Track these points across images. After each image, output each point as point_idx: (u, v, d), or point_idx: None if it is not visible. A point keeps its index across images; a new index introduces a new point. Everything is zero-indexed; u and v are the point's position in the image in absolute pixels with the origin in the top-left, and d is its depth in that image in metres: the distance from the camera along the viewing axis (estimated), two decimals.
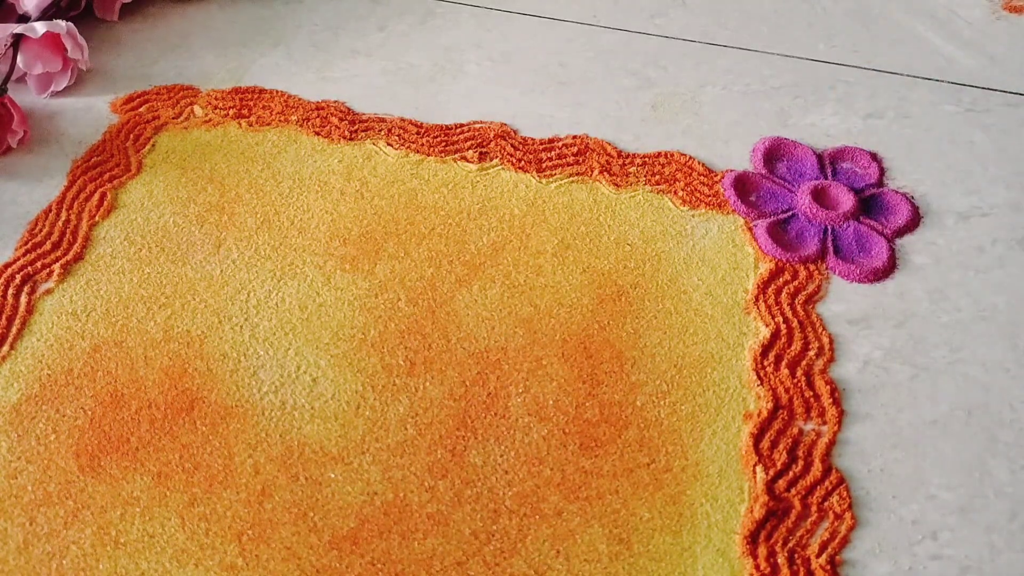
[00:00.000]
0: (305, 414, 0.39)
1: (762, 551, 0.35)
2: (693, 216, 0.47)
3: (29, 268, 0.44)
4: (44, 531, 0.35)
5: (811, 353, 0.41)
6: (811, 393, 0.39)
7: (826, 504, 0.36)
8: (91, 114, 0.53)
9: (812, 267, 0.44)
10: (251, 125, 0.52)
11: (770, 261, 0.44)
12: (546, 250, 0.45)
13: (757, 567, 0.34)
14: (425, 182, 0.48)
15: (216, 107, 0.53)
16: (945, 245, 0.45)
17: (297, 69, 0.56)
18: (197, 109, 0.53)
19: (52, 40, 0.53)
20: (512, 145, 0.50)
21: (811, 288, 0.43)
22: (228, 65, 0.56)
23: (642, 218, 0.47)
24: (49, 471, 0.37)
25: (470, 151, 0.50)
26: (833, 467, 0.37)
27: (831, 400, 0.39)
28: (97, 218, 0.47)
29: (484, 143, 0.50)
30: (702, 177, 0.48)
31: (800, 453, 0.38)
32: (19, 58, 0.52)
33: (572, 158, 0.50)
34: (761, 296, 0.43)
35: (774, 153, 0.50)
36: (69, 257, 0.45)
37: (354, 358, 0.41)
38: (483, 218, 0.47)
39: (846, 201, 0.46)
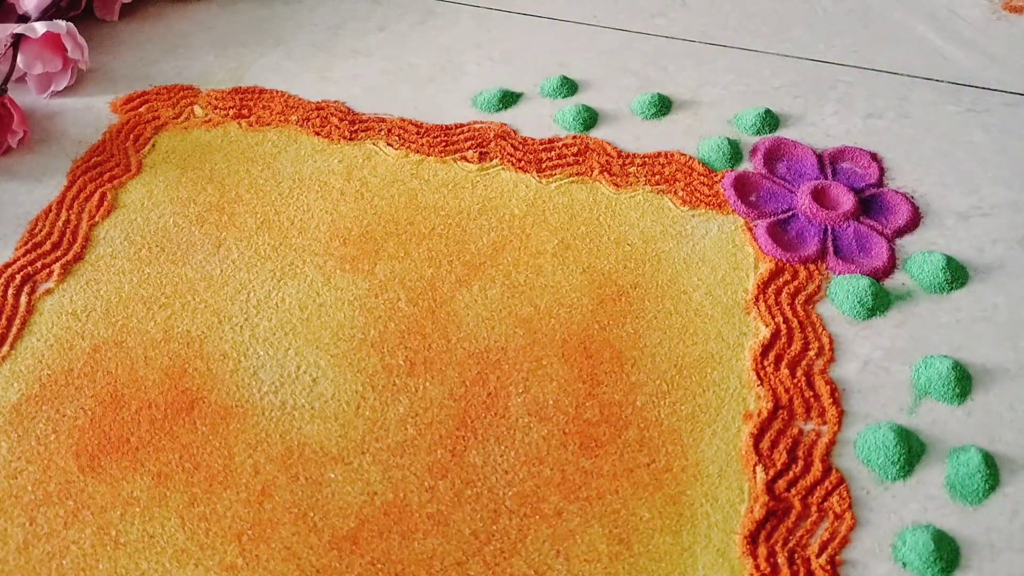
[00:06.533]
0: (305, 414, 0.39)
1: (762, 551, 0.35)
2: (693, 216, 0.47)
3: (29, 268, 0.44)
4: (44, 531, 0.35)
5: (811, 353, 0.41)
6: (811, 393, 0.39)
7: (826, 504, 0.36)
8: (91, 114, 0.53)
9: (812, 267, 0.44)
10: (251, 125, 0.52)
11: (770, 261, 0.44)
12: (546, 250, 0.45)
13: (757, 567, 0.34)
14: (425, 182, 0.48)
15: (216, 107, 0.53)
16: (945, 245, 0.45)
17: (297, 69, 0.56)
18: (197, 109, 0.53)
19: (52, 40, 0.53)
20: (512, 145, 0.50)
21: (811, 288, 0.43)
22: (228, 65, 0.56)
23: (642, 218, 0.47)
24: (49, 471, 0.37)
25: (470, 151, 0.50)
26: (833, 467, 0.37)
27: (831, 400, 0.39)
28: (97, 218, 0.47)
29: (484, 143, 0.50)
30: (702, 177, 0.48)
31: (800, 453, 0.38)
32: (19, 58, 0.52)
33: (572, 158, 0.50)
34: (761, 296, 0.43)
35: (774, 153, 0.50)
36: (69, 257, 0.45)
37: (354, 358, 0.41)
38: (483, 218, 0.47)
39: (846, 201, 0.46)
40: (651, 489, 0.37)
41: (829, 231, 0.46)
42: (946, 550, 0.34)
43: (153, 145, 0.51)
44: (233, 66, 0.56)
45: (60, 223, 0.46)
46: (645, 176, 0.49)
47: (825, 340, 0.41)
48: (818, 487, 0.36)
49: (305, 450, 0.38)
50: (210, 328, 0.42)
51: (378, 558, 0.35)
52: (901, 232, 0.46)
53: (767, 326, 0.42)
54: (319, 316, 0.43)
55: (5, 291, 0.43)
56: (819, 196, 0.47)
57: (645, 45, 0.58)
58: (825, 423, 0.39)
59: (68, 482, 0.37)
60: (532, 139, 0.51)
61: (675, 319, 0.42)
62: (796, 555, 0.35)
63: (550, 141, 0.51)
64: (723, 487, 0.37)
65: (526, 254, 0.45)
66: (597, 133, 0.51)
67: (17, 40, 0.52)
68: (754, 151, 0.50)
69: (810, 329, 0.42)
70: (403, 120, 0.52)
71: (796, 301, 0.43)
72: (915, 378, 0.40)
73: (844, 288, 0.43)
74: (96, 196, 0.48)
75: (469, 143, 0.50)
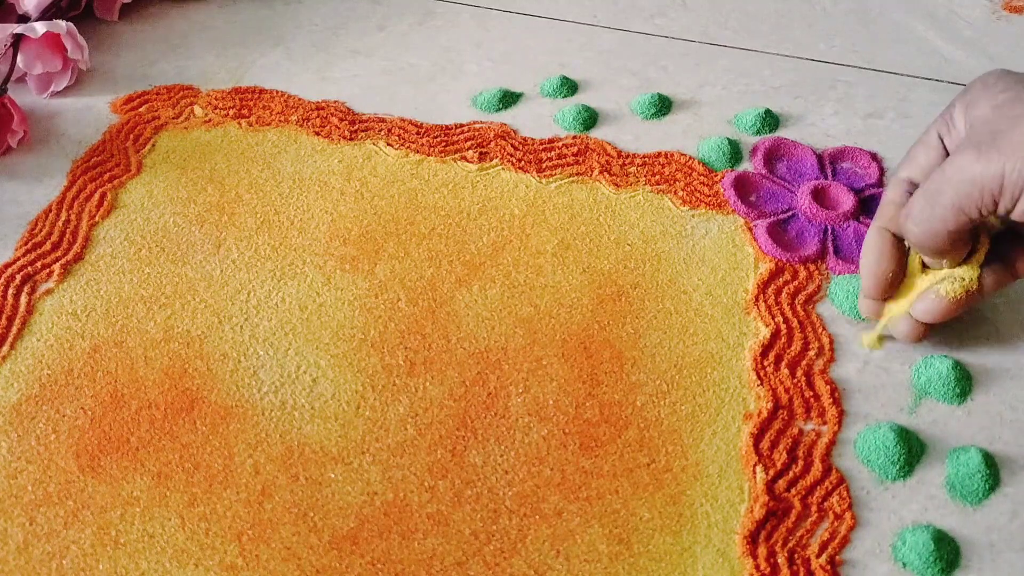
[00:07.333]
0: (305, 414, 0.39)
1: (762, 551, 0.35)
2: (693, 216, 0.47)
3: (29, 268, 0.44)
4: (44, 531, 0.35)
5: (811, 353, 0.41)
6: (811, 393, 0.39)
7: (826, 504, 0.36)
8: (91, 114, 0.53)
9: (812, 267, 0.44)
10: (251, 125, 0.52)
11: (770, 261, 0.44)
12: (546, 250, 0.45)
13: (757, 567, 0.34)
14: (425, 182, 0.48)
15: (216, 107, 0.53)
16: None
17: (297, 69, 0.56)
18: (197, 109, 0.53)
19: (52, 40, 0.53)
20: (512, 145, 0.50)
21: (811, 288, 0.43)
22: (228, 65, 0.56)
23: (642, 218, 0.47)
24: (49, 471, 0.37)
25: (470, 151, 0.50)
26: (833, 467, 0.37)
27: (831, 400, 0.39)
28: (97, 218, 0.47)
29: (484, 143, 0.50)
30: (702, 177, 0.48)
31: (800, 453, 0.38)
32: (19, 58, 0.52)
33: (572, 158, 0.50)
34: (761, 296, 0.43)
35: (774, 153, 0.50)
36: (69, 257, 0.45)
37: (354, 358, 0.41)
38: (483, 218, 0.47)
39: (846, 201, 0.46)
40: (651, 489, 0.37)
41: (829, 231, 0.46)
42: (946, 550, 0.34)
43: (153, 145, 0.51)
44: (233, 66, 0.56)
45: (60, 223, 0.46)
46: (645, 176, 0.49)
47: (825, 340, 0.41)
48: (818, 487, 0.36)
49: (305, 450, 0.38)
50: (210, 328, 0.42)
51: (378, 558, 0.35)
52: None
53: (767, 326, 0.42)
54: (319, 316, 0.43)
55: (5, 291, 0.43)
56: (819, 196, 0.47)
57: (645, 45, 0.58)
58: (825, 423, 0.39)
59: (68, 482, 0.37)
60: (532, 139, 0.51)
61: (675, 319, 0.42)
62: (796, 555, 0.35)
63: (550, 141, 0.51)
64: (723, 487, 0.37)
65: (526, 254, 0.45)
66: (597, 133, 0.51)
67: (17, 40, 0.52)
68: (754, 151, 0.50)
69: (810, 329, 0.42)
70: (403, 120, 0.52)
71: (796, 301, 0.43)
72: (915, 378, 0.40)
73: (844, 288, 0.43)
74: (96, 196, 0.48)
75: (469, 143, 0.50)
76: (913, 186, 0.39)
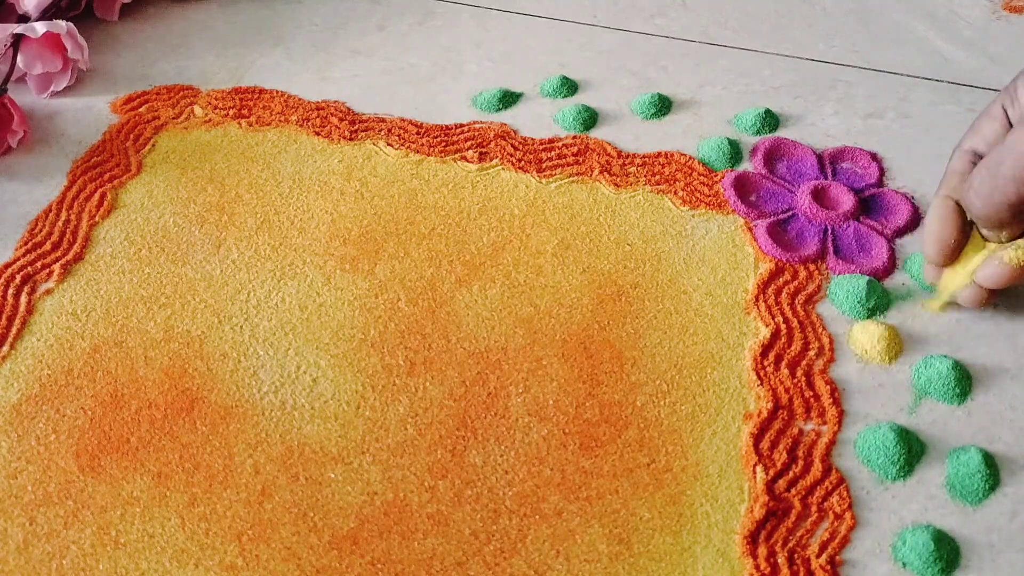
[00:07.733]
0: (305, 414, 0.39)
1: (762, 551, 0.35)
2: (693, 216, 0.47)
3: (29, 268, 0.44)
4: (44, 531, 0.35)
5: (811, 353, 0.41)
6: (811, 393, 0.39)
7: (826, 504, 0.36)
8: (91, 114, 0.53)
9: (812, 267, 0.44)
10: (251, 125, 0.52)
11: (770, 261, 0.44)
12: (546, 250, 0.45)
13: (757, 567, 0.34)
14: (425, 182, 0.48)
15: (216, 107, 0.53)
16: None
17: (297, 69, 0.56)
18: (197, 109, 0.53)
19: (52, 40, 0.53)
20: (512, 145, 0.50)
21: (811, 288, 0.43)
22: (228, 65, 0.56)
23: (642, 218, 0.47)
24: (49, 471, 0.37)
25: (470, 151, 0.50)
26: (833, 467, 0.37)
27: (831, 400, 0.39)
28: (97, 218, 0.47)
29: (484, 143, 0.50)
30: (702, 177, 0.48)
31: (800, 453, 0.38)
32: (19, 58, 0.52)
33: (572, 158, 0.50)
34: (761, 296, 0.43)
35: (774, 153, 0.50)
36: (69, 257, 0.45)
37: (354, 358, 0.41)
38: (483, 218, 0.47)
39: (846, 201, 0.46)
40: (651, 489, 0.37)
41: (829, 231, 0.46)
42: (946, 550, 0.34)
43: (153, 145, 0.51)
44: (233, 66, 0.56)
45: (60, 223, 0.46)
46: (645, 176, 0.49)
47: (825, 340, 0.41)
48: (818, 487, 0.36)
49: (305, 450, 0.38)
50: (210, 328, 0.42)
51: (378, 558, 0.35)
52: (901, 232, 0.46)
53: (767, 326, 0.42)
54: (319, 316, 0.43)
55: (5, 291, 0.43)
56: (819, 196, 0.47)
57: (645, 45, 0.58)
58: (825, 423, 0.39)
59: (68, 482, 0.37)
60: (532, 139, 0.51)
61: (675, 319, 0.42)
62: (796, 555, 0.35)
63: (550, 141, 0.51)
64: (723, 487, 0.37)
65: (526, 254, 0.45)
66: (597, 133, 0.51)
67: (17, 40, 0.52)
68: (754, 151, 0.50)
69: (810, 329, 0.42)
70: (403, 120, 0.52)
71: (796, 301, 0.43)
72: (915, 378, 0.40)
73: (844, 288, 0.43)
74: (96, 196, 0.48)
75: (469, 143, 0.50)
76: (977, 156, 0.40)
